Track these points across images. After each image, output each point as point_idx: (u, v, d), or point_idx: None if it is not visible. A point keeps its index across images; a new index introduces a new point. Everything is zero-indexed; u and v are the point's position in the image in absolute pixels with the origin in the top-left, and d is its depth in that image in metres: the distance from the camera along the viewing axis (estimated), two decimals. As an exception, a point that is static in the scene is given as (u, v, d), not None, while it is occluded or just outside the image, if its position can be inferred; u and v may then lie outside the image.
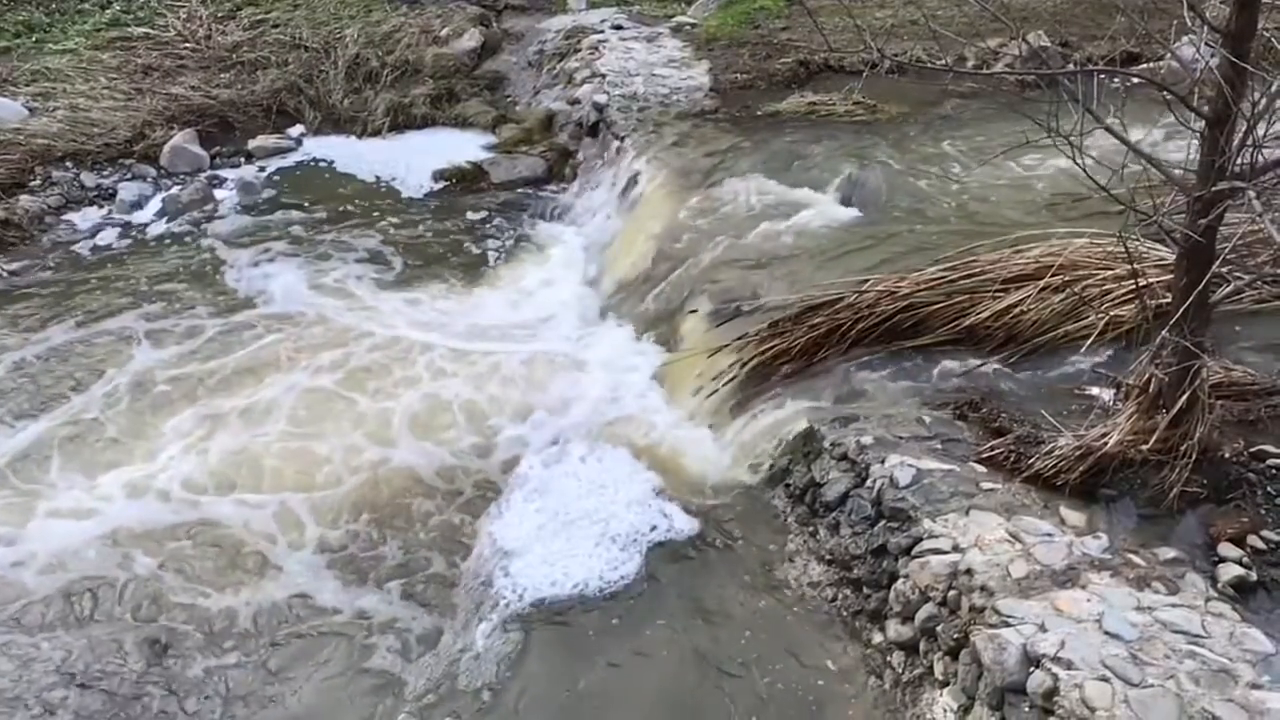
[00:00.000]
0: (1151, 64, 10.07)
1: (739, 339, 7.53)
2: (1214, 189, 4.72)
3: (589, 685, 5.55)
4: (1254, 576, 4.98)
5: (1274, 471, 5.54)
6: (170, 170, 12.17)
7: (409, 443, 7.73)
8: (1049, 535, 5.26)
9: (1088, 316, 6.85)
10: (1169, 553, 5.19)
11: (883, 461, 5.95)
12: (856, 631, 5.68)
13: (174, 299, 9.62)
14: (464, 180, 12.09)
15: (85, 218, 11.19)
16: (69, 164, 11.83)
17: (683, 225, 9.50)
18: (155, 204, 11.48)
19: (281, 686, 5.75)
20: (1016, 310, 6.99)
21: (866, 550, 5.75)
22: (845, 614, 5.79)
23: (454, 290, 9.88)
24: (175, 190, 11.71)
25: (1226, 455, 5.58)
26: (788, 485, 6.62)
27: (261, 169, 12.40)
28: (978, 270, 7.32)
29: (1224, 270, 5.59)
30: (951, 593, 5.09)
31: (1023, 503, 5.57)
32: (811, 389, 7.05)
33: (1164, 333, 5.16)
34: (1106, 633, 4.54)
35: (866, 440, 6.19)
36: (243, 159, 12.62)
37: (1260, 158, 4.73)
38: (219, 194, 11.75)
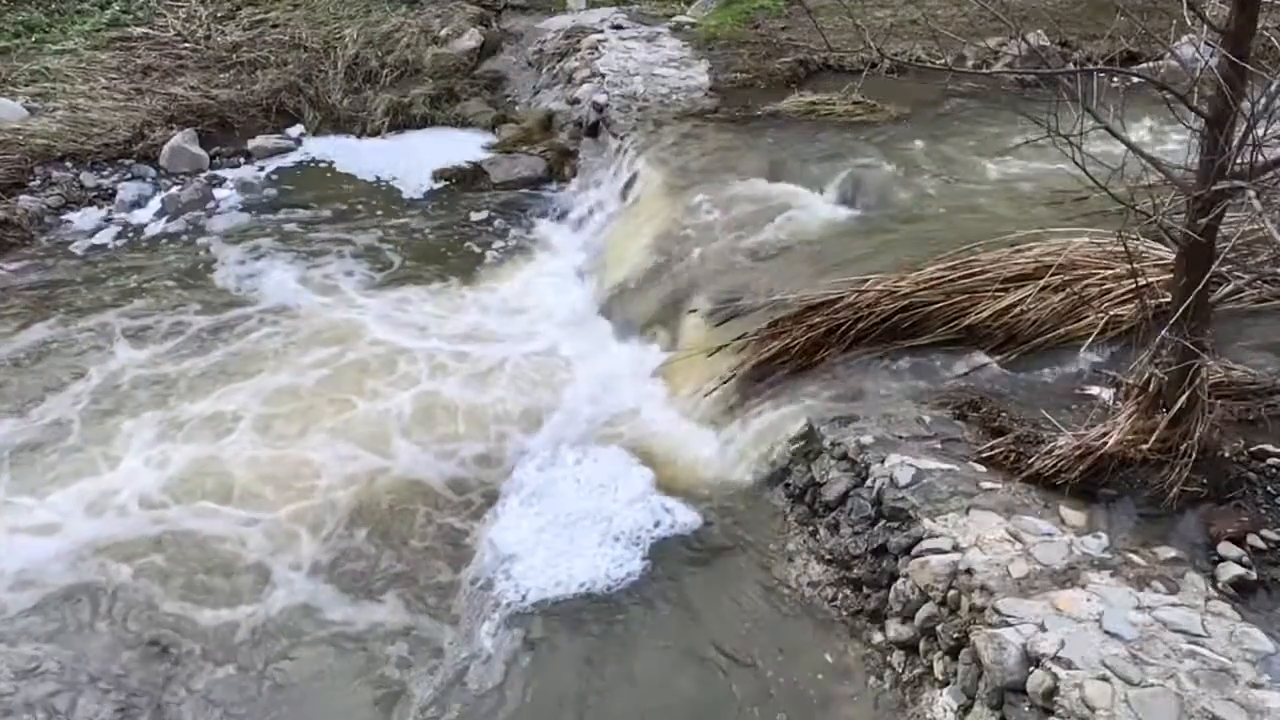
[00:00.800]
0: (1151, 63, 10.06)
1: (739, 339, 7.53)
2: (1214, 188, 4.72)
3: (594, 685, 5.55)
4: (1254, 576, 4.98)
5: (1274, 471, 5.54)
6: (170, 170, 12.16)
7: (405, 446, 7.66)
8: (1049, 535, 5.26)
9: (1087, 316, 6.85)
10: (1169, 552, 5.19)
11: (883, 461, 5.95)
12: (856, 631, 5.68)
13: (172, 299, 9.61)
14: (464, 180, 12.09)
15: (85, 218, 11.17)
16: (68, 164, 11.82)
17: (682, 225, 9.50)
18: (155, 204, 11.47)
19: (286, 699, 5.67)
20: (1016, 310, 6.99)
21: (866, 550, 5.75)
22: (845, 613, 5.79)
23: (453, 290, 9.87)
24: (175, 190, 11.70)
25: (1226, 455, 5.58)
26: (788, 485, 6.62)
27: (261, 169, 12.39)
28: (977, 270, 7.32)
29: (1224, 270, 5.60)
30: (951, 592, 5.09)
31: (1023, 502, 5.57)
32: (811, 388, 7.05)
33: (1164, 332, 5.16)
34: (1106, 632, 4.54)
35: (866, 440, 6.19)
36: (242, 159, 12.61)
37: (1260, 157, 4.73)
38: (218, 194, 11.73)
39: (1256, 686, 4.24)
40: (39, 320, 9.23)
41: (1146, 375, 5.55)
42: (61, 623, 6.16)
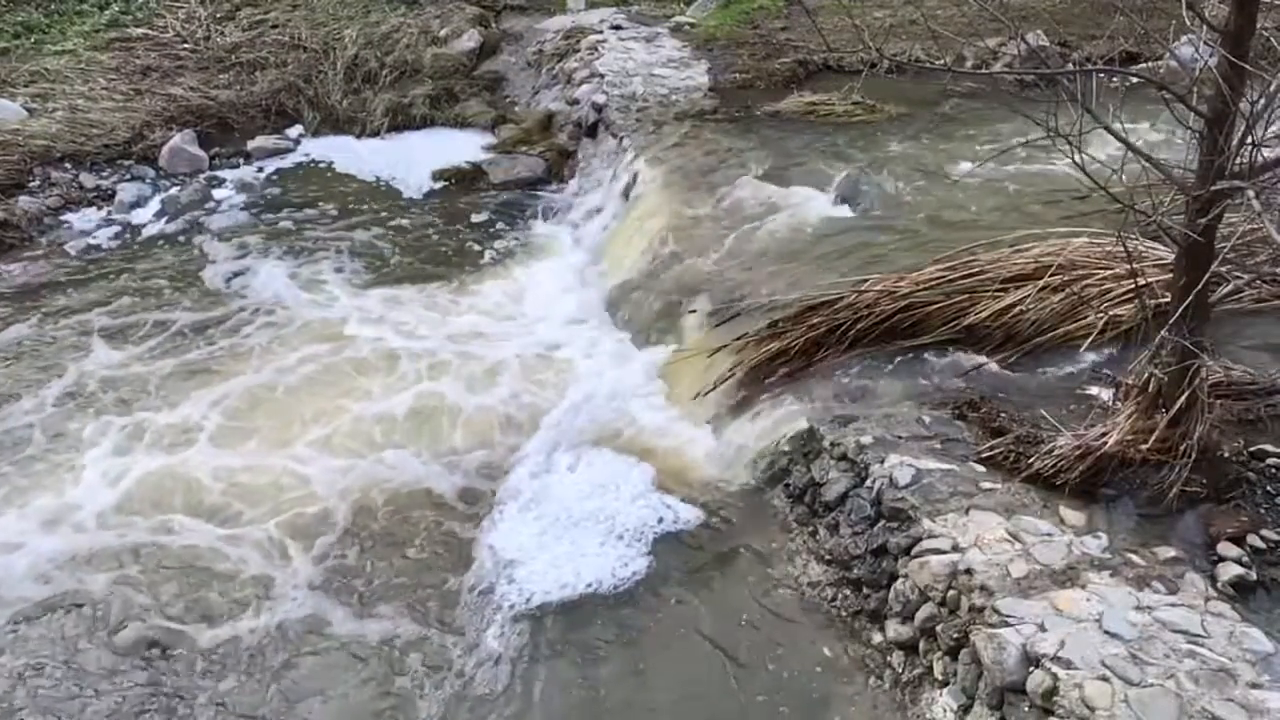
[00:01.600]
0: (1150, 63, 10.06)
1: (738, 339, 7.53)
2: (1213, 188, 4.72)
3: (594, 687, 5.56)
4: (1253, 576, 4.99)
5: (1273, 471, 5.54)
6: (169, 171, 12.16)
7: (400, 449, 7.58)
8: (1048, 535, 5.26)
9: (1087, 316, 6.85)
10: (1168, 552, 5.19)
11: (882, 461, 5.95)
12: (856, 631, 5.68)
13: (170, 299, 9.61)
14: (463, 180, 12.09)
15: (84, 218, 11.19)
16: (68, 165, 11.83)
17: (681, 225, 9.50)
18: (154, 204, 11.47)
19: (293, 711, 5.59)
20: (1016, 310, 6.98)
21: (866, 550, 5.75)
22: (845, 613, 5.79)
23: (451, 290, 9.86)
24: (174, 191, 11.70)
25: (1226, 455, 5.59)
26: (787, 485, 6.62)
27: (260, 170, 12.39)
28: (977, 270, 7.32)
29: (1223, 270, 5.60)
30: (951, 592, 5.09)
31: (1022, 502, 5.57)
32: (811, 389, 7.05)
33: (1163, 332, 5.16)
34: (1106, 632, 4.54)
35: (866, 440, 6.19)
36: (241, 160, 12.61)
37: (1259, 157, 4.73)
38: (218, 194, 11.74)
39: (1256, 686, 4.25)
40: (19, 320, 9.22)
41: (1146, 375, 5.55)
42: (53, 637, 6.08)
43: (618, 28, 14.66)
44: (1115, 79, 8.09)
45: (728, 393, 7.42)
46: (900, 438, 6.17)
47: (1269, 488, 5.45)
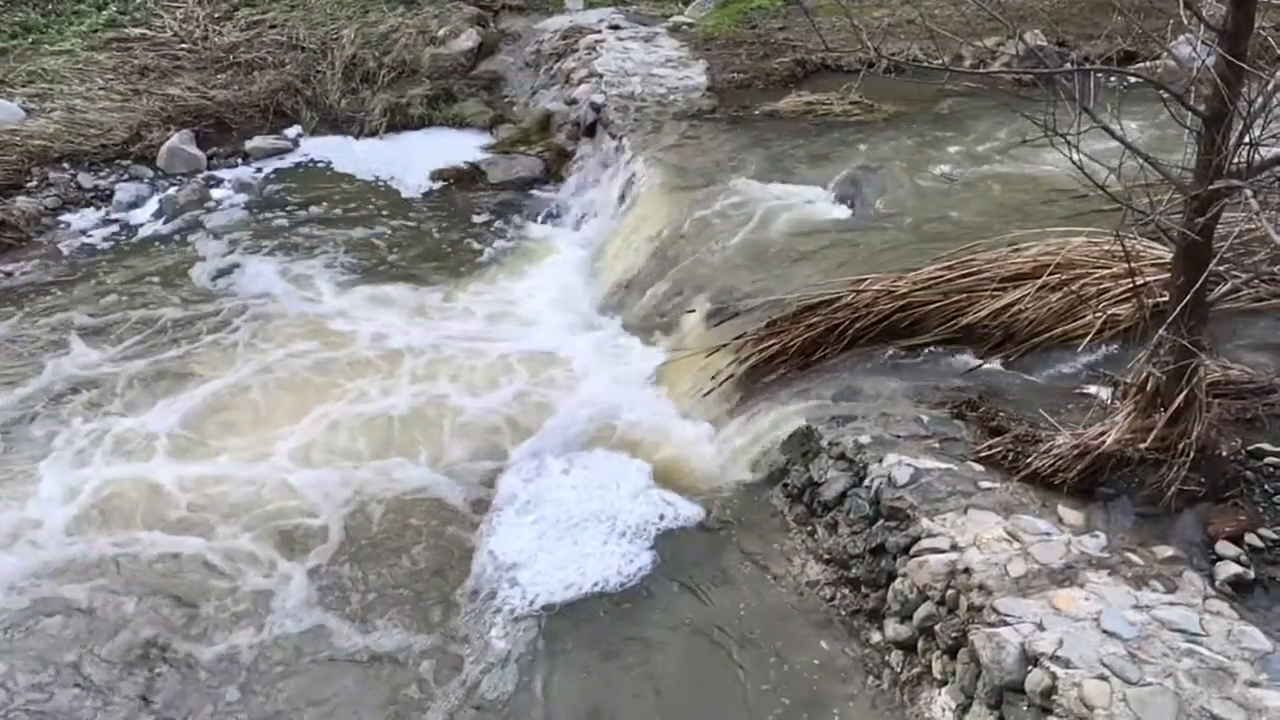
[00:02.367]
0: (1148, 63, 10.07)
1: (737, 338, 7.53)
2: (1211, 187, 4.72)
3: (593, 688, 5.56)
4: (1252, 574, 4.98)
5: (1271, 470, 5.54)
6: (167, 171, 12.17)
7: (395, 452, 7.52)
8: (1047, 534, 5.26)
9: (1085, 315, 6.84)
10: (1167, 551, 5.19)
11: (880, 460, 5.95)
12: (855, 630, 5.68)
13: (159, 297, 9.60)
14: (461, 180, 12.09)
15: (82, 219, 11.19)
16: (66, 165, 11.82)
17: (680, 225, 9.50)
18: (152, 205, 11.48)
19: None
20: (1014, 309, 6.98)
21: (865, 549, 5.75)
22: (843, 613, 5.79)
23: (449, 290, 9.85)
24: (172, 191, 11.70)
25: (1224, 454, 5.58)
26: (786, 484, 6.62)
27: (258, 170, 12.39)
28: (975, 269, 7.32)
29: (1221, 269, 5.60)
30: (950, 592, 5.09)
31: (1021, 501, 5.57)
32: (809, 388, 7.05)
33: (1161, 331, 5.16)
34: (1104, 631, 4.54)
35: (864, 439, 6.19)
36: (240, 160, 12.61)
37: (1257, 156, 4.73)
38: (216, 194, 11.74)
39: (1254, 685, 4.24)
40: (40, 321, 9.19)
41: (1144, 374, 5.55)
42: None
43: (616, 27, 14.67)
44: (1113, 78, 8.10)
45: (726, 392, 7.42)
46: (898, 437, 6.17)
47: (1267, 486, 5.45)
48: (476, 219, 11.24)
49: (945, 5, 13.77)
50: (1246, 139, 4.65)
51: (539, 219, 11.29)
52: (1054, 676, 4.33)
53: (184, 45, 14.17)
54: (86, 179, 11.73)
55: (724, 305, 8.11)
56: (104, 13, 14.67)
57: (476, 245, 10.71)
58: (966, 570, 5.05)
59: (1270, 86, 4.57)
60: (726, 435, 7.27)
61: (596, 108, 12.12)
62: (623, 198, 10.58)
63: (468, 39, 14.73)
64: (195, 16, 14.69)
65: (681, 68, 13.18)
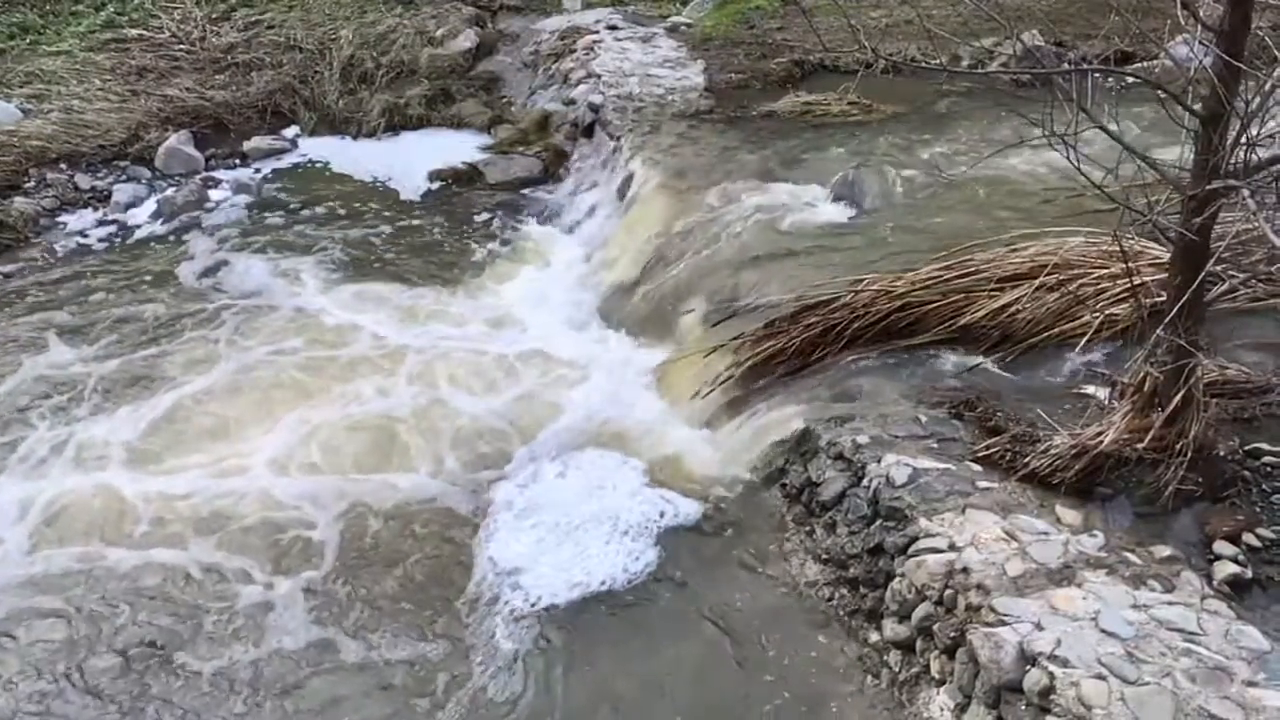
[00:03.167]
0: (1146, 63, 10.07)
1: (735, 339, 7.53)
2: (1208, 187, 4.73)
3: (593, 686, 5.57)
4: (1249, 574, 4.99)
5: (1269, 469, 5.55)
6: (165, 172, 12.15)
7: (392, 454, 7.47)
8: (1045, 534, 5.27)
9: (1083, 315, 6.85)
10: (1165, 550, 5.20)
11: (879, 460, 5.95)
12: (853, 630, 5.68)
13: (158, 298, 9.56)
14: (460, 181, 12.08)
15: (79, 219, 11.16)
16: (64, 166, 11.80)
17: (678, 225, 9.50)
18: (150, 205, 11.46)
19: None
20: (1012, 309, 6.99)
21: (863, 549, 5.76)
22: (842, 613, 5.80)
23: (447, 290, 9.82)
24: (170, 192, 11.68)
25: (1221, 453, 5.59)
26: (784, 485, 6.62)
27: (257, 170, 12.38)
28: (973, 269, 7.32)
29: (1219, 269, 5.61)
30: (948, 591, 5.09)
31: (1019, 501, 5.58)
32: (807, 388, 7.05)
33: (1159, 331, 5.17)
34: (1102, 631, 4.55)
35: (862, 439, 6.19)
36: (238, 160, 12.60)
37: (1254, 156, 4.74)
38: (214, 195, 11.72)
39: (1252, 685, 4.25)
40: (35, 320, 9.16)
41: (1142, 374, 5.56)
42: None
43: (614, 28, 14.66)
44: (1111, 78, 8.11)
45: (724, 393, 7.42)
46: (897, 437, 6.17)
47: (1264, 486, 5.46)
48: (475, 219, 11.23)
49: (943, 5, 13.79)
50: (1244, 139, 4.66)
51: (537, 219, 11.28)
52: (1052, 676, 4.34)
53: (182, 46, 14.15)
54: (84, 180, 11.72)
55: (722, 306, 8.11)
56: (102, 13, 14.64)
57: (474, 246, 10.70)
58: (965, 570, 5.05)
59: (1267, 86, 4.58)
60: (725, 436, 7.27)
61: (594, 108, 12.12)
62: (621, 198, 10.58)
63: (466, 39, 14.72)
64: (193, 17, 14.67)
65: (679, 68, 13.18)
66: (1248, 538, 5.16)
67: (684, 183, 10.13)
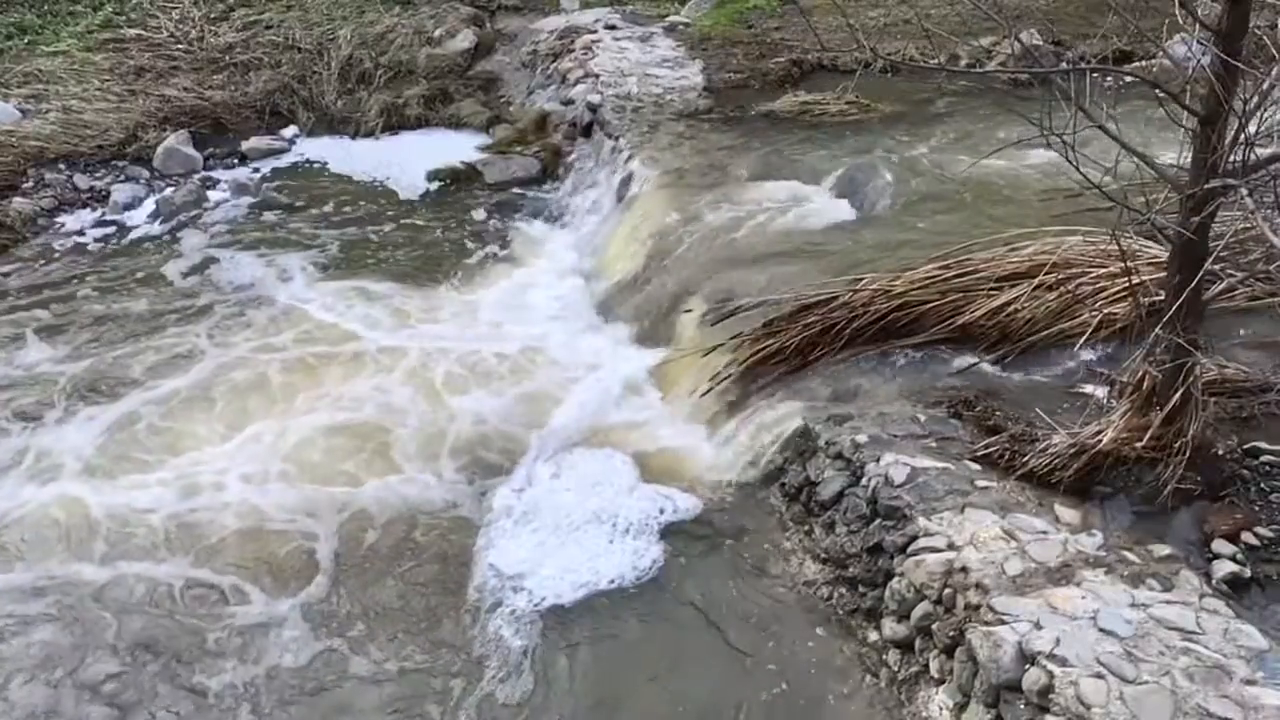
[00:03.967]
0: (1144, 62, 10.09)
1: (734, 338, 7.52)
2: (1206, 186, 4.73)
3: (591, 686, 5.58)
4: (1248, 573, 5.00)
5: (1267, 468, 5.56)
6: (164, 172, 12.15)
7: (390, 454, 7.43)
8: (1044, 533, 5.27)
9: (1081, 314, 6.85)
10: (1163, 549, 5.20)
11: (878, 460, 5.96)
12: (852, 630, 5.69)
13: (163, 299, 9.57)
14: (458, 180, 12.08)
15: (77, 219, 11.17)
16: (62, 166, 11.81)
17: (677, 225, 9.49)
18: (148, 205, 11.46)
19: None
20: (1010, 308, 6.99)
21: (862, 548, 5.76)
22: (841, 612, 5.80)
23: (445, 290, 9.82)
24: (168, 192, 11.68)
25: (1220, 452, 5.60)
26: (783, 484, 6.63)
27: (255, 170, 12.39)
28: (971, 269, 7.33)
29: (1217, 268, 5.61)
30: (947, 590, 5.09)
31: (1017, 500, 5.58)
32: (806, 388, 7.05)
33: (1157, 330, 5.17)
34: (1101, 629, 4.55)
35: (861, 439, 6.20)
36: (236, 160, 12.60)
37: (1252, 155, 4.74)
38: (212, 195, 11.73)
39: (1250, 683, 4.26)
40: (30, 321, 9.16)
41: (1140, 373, 5.56)
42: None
43: (612, 27, 14.65)
44: (1109, 78, 8.11)
45: (723, 392, 7.42)
46: (895, 436, 6.18)
47: (1263, 485, 5.47)
48: (473, 219, 11.23)
49: (941, 5, 13.81)
50: (1242, 138, 4.66)
51: (535, 219, 11.28)
52: (1051, 675, 4.34)
53: (180, 46, 14.14)
54: (83, 180, 11.71)
55: (721, 305, 8.10)
56: (100, 13, 14.63)
57: (473, 245, 10.70)
58: (963, 569, 5.06)
59: (1265, 85, 4.58)
60: (723, 435, 7.27)
61: (593, 108, 12.11)
62: (619, 197, 10.58)
63: (464, 39, 14.72)
64: (191, 17, 14.67)
65: (678, 68, 13.17)
66: (1246, 536, 5.17)
67: (682, 182, 10.13)
